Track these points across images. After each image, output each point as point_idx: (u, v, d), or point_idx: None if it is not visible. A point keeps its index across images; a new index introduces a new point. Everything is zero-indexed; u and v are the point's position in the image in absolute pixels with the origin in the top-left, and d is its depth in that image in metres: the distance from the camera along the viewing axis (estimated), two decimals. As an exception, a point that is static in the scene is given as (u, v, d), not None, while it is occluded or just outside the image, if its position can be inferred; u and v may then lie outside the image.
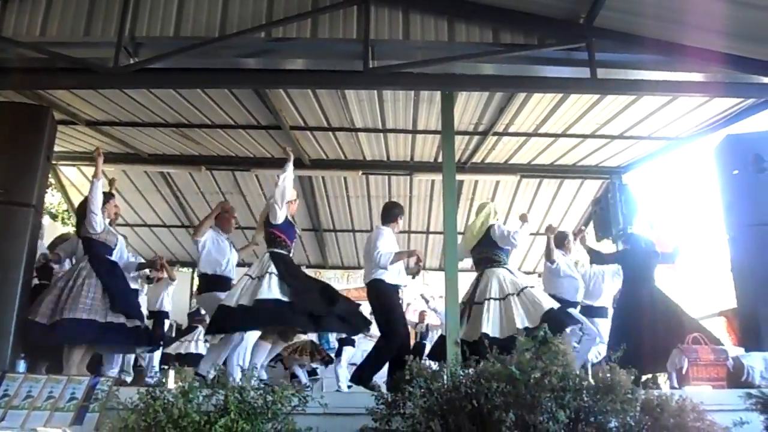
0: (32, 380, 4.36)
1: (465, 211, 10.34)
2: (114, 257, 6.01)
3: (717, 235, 6.47)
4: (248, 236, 11.20)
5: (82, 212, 5.93)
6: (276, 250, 5.90)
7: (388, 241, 6.05)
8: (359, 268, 12.87)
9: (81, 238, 5.97)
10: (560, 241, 7.26)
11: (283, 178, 5.91)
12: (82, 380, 4.36)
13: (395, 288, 6.08)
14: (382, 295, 5.93)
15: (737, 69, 5.62)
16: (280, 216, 5.92)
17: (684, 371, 5.65)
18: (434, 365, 4.54)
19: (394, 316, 5.97)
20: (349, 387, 8.84)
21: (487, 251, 6.24)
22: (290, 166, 6.01)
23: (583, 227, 7.22)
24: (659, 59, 5.68)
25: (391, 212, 6.34)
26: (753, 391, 4.09)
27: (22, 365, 5.62)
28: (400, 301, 6.56)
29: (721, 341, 5.99)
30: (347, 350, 9.80)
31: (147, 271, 7.12)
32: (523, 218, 6.48)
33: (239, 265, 6.68)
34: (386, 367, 5.83)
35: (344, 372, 9.48)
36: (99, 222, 5.76)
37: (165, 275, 8.36)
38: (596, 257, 7.27)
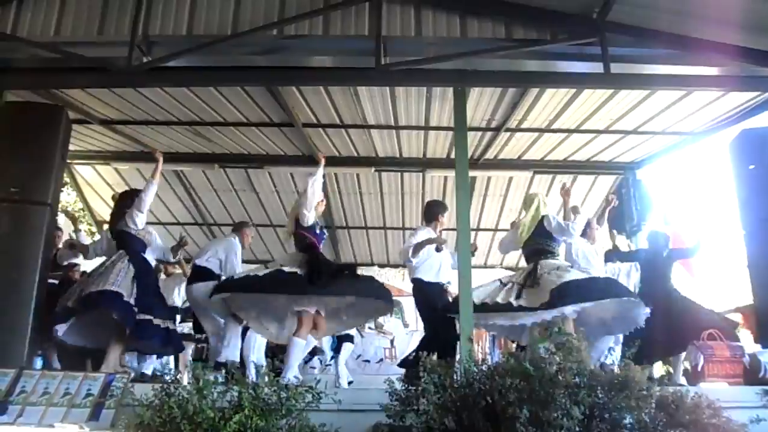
0: (49, 377, 4.41)
1: (478, 208, 10.31)
2: (147, 254, 6.13)
3: (733, 231, 6.42)
4: (261, 234, 11.33)
5: (121, 207, 6.11)
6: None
7: (419, 239, 6.03)
8: (372, 264, 12.90)
9: (117, 231, 6.05)
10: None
11: (312, 182, 5.89)
12: (98, 377, 4.40)
13: (436, 286, 6.04)
14: (420, 294, 5.99)
15: (753, 62, 5.56)
16: (310, 219, 5.95)
17: (699, 368, 5.62)
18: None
19: (435, 315, 5.85)
20: (350, 383, 8.88)
21: (541, 242, 6.05)
22: (321, 170, 6.06)
23: (613, 196, 6.92)
24: (673, 53, 5.63)
25: (431, 211, 6.34)
26: (770, 388, 4.06)
27: (38, 362, 5.68)
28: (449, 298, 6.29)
29: (738, 338, 5.93)
30: (346, 346, 9.76)
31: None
32: (575, 210, 6.36)
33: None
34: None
35: (344, 369, 9.45)
36: (142, 220, 6.00)
37: (179, 270, 8.45)
38: (615, 255, 7.19)
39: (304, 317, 5.71)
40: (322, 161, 6.19)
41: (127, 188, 9.73)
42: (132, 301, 5.49)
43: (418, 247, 5.94)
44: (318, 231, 6.08)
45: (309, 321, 5.74)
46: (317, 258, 5.79)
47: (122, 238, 6.00)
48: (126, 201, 6.17)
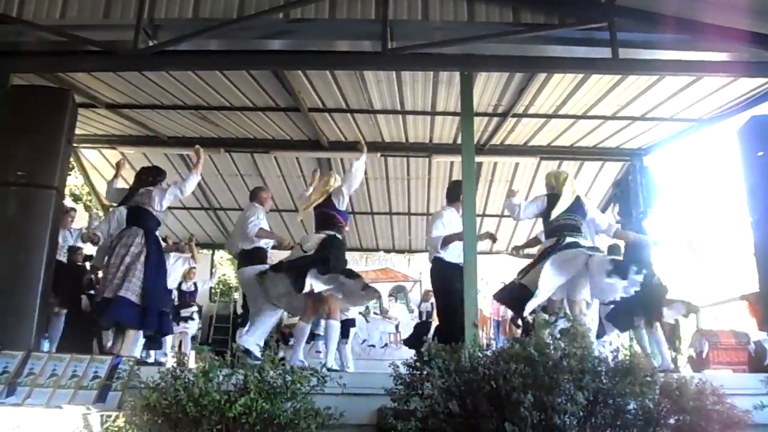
0: (56, 359, 4.43)
1: (484, 194, 10.30)
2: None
3: (740, 218, 6.39)
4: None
5: (142, 183, 6.18)
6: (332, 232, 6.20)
7: (445, 223, 6.11)
8: (377, 250, 12.93)
9: (135, 208, 6.07)
10: None
11: (356, 168, 6.16)
12: (105, 359, 4.43)
13: (455, 267, 5.90)
14: (440, 274, 6.00)
15: (762, 48, 5.50)
16: (344, 202, 6.27)
17: (704, 355, 5.63)
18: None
19: (453, 296, 5.76)
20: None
21: (575, 218, 6.10)
22: (364, 157, 6.29)
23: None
24: (682, 38, 5.58)
25: (454, 191, 6.28)
26: (775, 375, 4.05)
27: (46, 344, 5.73)
28: None
29: None
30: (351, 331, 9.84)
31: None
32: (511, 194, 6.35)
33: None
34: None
35: (349, 354, 9.53)
36: (167, 204, 6.19)
37: (188, 254, 8.59)
38: None
39: (309, 300, 5.93)
40: (365, 149, 6.35)
41: (133, 172, 9.83)
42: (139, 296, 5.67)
43: (448, 240, 6.02)
44: (345, 211, 6.36)
45: (312, 305, 5.99)
46: (332, 246, 6.04)
47: (140, 215, 6.03)
48: (148, 178, 6.25)
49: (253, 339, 6.13)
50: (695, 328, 7.86)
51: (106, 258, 5.91)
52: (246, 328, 6.50)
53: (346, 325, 9.68)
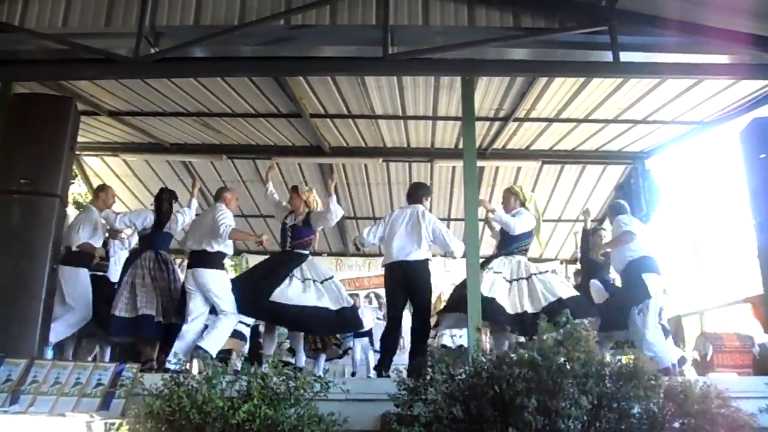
0: (60, 367, 4.44)
1: (486, 198, 10.27)
2: None
3: (743, 221, 6.37)
4: (270, 223, 11.34)
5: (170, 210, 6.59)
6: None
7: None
8: (380, 255, 12.85)
9: (167, 234, 6.57)
10: None
11: (335, 209, 6.31)
12: (108, 367, 4.44)
13: None
14: (429, 276, 6.12)
15: (764, 50, 5.49)
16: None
17: (709, 358, 5.61)
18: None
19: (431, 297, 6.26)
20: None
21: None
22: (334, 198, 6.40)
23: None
24: (683, 41, 5.57)
25: (417, 193, 6.45)
26: (779, 378, 4.04)
27: (49, 352, 5.73)
28: None
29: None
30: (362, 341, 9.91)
31: None
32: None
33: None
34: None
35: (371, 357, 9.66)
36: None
37: None
38: None
39: None
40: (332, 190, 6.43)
41: (135, 179, 9.88)
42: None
43: None
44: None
45: None
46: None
47: (168, 241, 6.63)
48: (172, 201, 6.72)
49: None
50: (699, 331, 7.84)
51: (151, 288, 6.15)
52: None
53: (369, 333, 9.76)
